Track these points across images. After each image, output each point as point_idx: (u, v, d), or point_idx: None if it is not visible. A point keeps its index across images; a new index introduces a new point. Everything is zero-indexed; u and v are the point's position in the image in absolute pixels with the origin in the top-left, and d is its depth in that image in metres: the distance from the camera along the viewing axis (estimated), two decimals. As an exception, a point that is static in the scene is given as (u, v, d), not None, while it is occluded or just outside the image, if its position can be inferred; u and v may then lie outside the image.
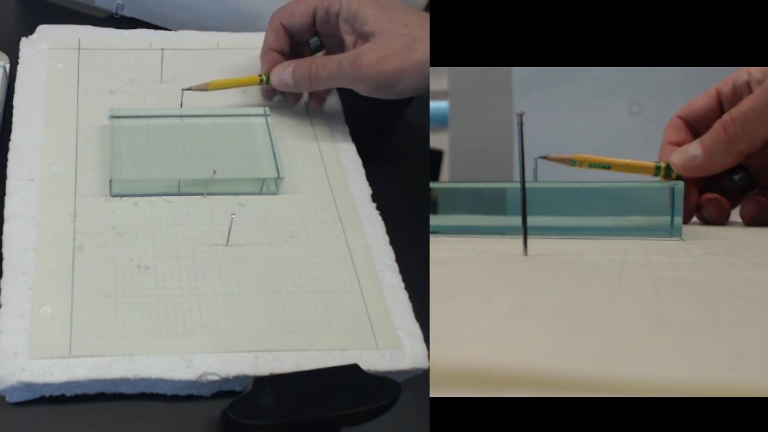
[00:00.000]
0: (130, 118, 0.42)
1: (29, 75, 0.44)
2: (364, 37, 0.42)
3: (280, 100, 0.46)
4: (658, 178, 0.59)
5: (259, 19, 0.47)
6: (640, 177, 0.59)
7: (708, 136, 0.56)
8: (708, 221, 0.59)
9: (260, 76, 0.44)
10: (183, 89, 0.43)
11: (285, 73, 0.43)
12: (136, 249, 0.36)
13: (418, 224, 0.43)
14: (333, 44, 0.46)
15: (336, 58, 0.42)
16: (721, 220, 0.59)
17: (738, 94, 0.58)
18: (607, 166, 0.57)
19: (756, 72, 0.57)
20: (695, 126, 0.61)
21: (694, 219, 0.61)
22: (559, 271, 0.27)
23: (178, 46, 0.47)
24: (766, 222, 0.57)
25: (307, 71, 0.42)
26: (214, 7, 0.54)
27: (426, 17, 0.42)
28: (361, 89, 0.42)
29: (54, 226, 0.36)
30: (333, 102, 0.48)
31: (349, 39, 0.43)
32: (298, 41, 0.46)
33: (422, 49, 0.41)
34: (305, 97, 0.47)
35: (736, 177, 0.59)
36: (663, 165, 0.58)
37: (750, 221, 0.58)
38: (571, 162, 0.56)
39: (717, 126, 0.55)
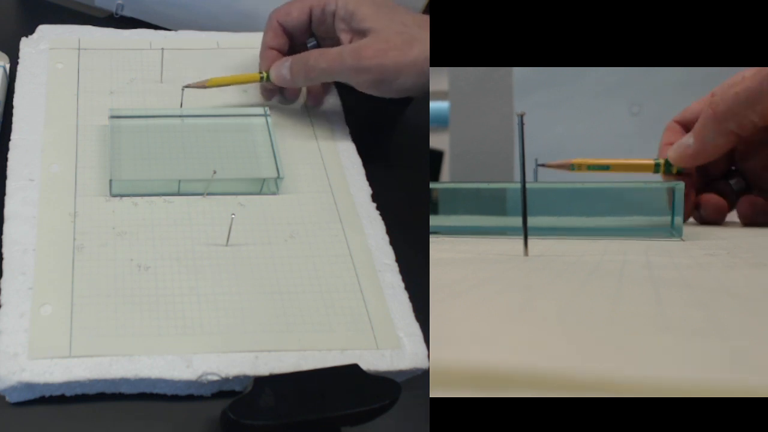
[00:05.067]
0: (130, 118, 0.42)
1: (29, 75, 0.44)
2: (360, 34, 0.42)
3: (280, 100, 0.46)
4: (658, 176, 0.60)
5: (259, 18, 0.47)
6: (640, 176, 0.59)
7: (698, 122, 0.56)
8: (705, 220, 0.59)
9: (260, 73, 0.44)
10: (183, 86, 0.43)
11: (283, 68, 0.43)
12: (136, 249, 0.36)
13: (418, 224, 0.43)
14: (330, 45, 0.46)
15: (336, 49, 0.42)
16: (718, 219, 0.59)
17: None
18: (606, 167, 0.57)
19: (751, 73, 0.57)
20: (691, 128, 0.61)
21: (691, 220, 0.61)
22: (560, 271, 0.27)
23: (178, 46, 0.47)
24: (762, 221, 0.57)
25: (304, 63, 0.42)
26: (214, 7, 0.54)
27: (422, 18, 0.42)
28: (360, 82, 0.42)
29: (54, 226, 0.36)
30: (333, 102, 0.47)
31: (345, 37, 0.43)
32: (296, 42, 0.46)
33: (421, 47, 0.41)
34: (303, 95, 0.47)
35: (732, 181, 0.60)
36: (662, 161, 0.58)
37: (745, 221, 0.58)
38: (570, 167, 0.56)
39: (705, 108, 0.55)
